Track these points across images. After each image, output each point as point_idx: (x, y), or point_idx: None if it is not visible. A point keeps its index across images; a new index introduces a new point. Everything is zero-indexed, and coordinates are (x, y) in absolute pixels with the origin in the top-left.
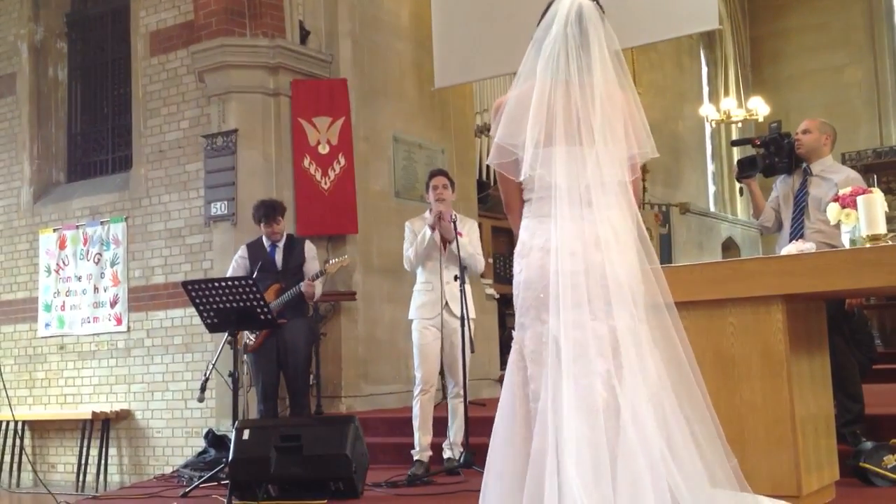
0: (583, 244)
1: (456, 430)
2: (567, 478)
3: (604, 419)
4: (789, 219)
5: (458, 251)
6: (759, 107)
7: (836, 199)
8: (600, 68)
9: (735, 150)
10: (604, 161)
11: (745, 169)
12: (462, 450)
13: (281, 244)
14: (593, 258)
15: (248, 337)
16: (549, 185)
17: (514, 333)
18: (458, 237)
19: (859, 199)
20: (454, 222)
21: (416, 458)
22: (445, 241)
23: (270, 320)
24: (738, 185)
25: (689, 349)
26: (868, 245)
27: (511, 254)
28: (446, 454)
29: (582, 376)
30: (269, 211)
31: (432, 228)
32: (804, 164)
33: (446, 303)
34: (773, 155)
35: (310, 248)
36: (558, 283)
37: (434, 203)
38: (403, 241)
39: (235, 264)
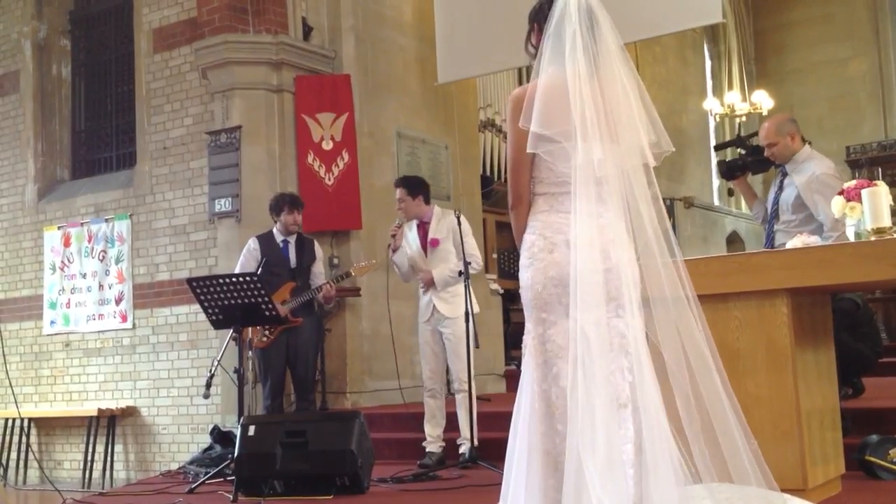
0: (606, 241)
1: (463, 425)
2: (587, 473)
3: (628, 414)
4: (769, 220)
5: (465, 258)
6: (764, 100)
7: (840, 193)
8: (614, 61)
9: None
10: (623, 155)
11: (723, 172)
12: (469, 443)
13: (293, 241)
14: (614, 256)
15: (262, 334)
16: (588, 179)
17: (531, 328)
18: (434, 247)
19: (864, 192)
20: (427, 224)
21: (427, 449)
22: (425, 247)
23: (275, 316)
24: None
25: (712, 341)
26: (873, 238)
27: (515, 249)
28: (461, 449)
29: (609, 373)
30: (295, 199)
31: (394, 250)
32: (782, 165)
33: (434, 306)
34: (746, 155)
35: (318, 250)
36: (588, 280)
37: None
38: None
39: (248, 254)
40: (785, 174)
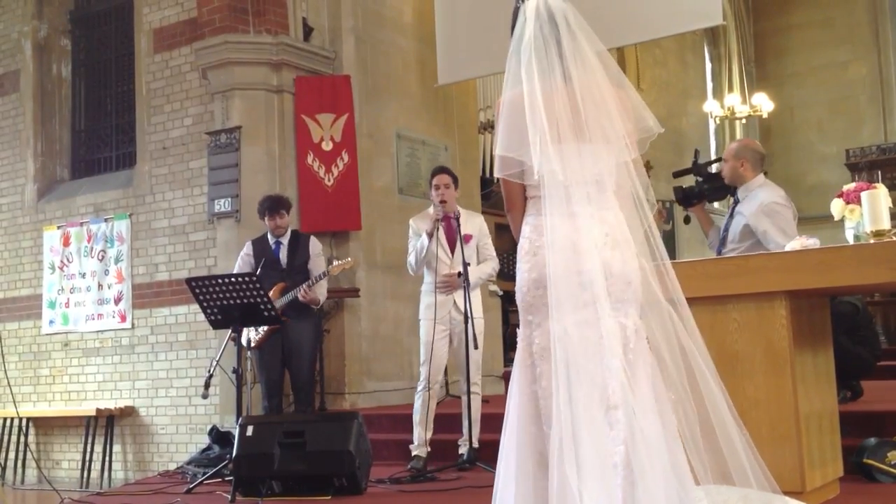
0: (593, 242)
1: (471, 427)
2: (569, 475)
3: (619, 415)
4: (717, 247)
5: (464, 259)
6: (764, 103)
7: (839, 196)
8: (581, 62)
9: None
10: (602, 155)
11: (680, 199)
12: (467, 445)
13: (285, 241)
14: (604, 256)
15: (253, 333)
16: (556, 184)
17: (520, 331)
18: (466, 244)
19: (863, 194)
20: (457, 219)
21: (413, 452)
22: (453, 245)
23: (274, 317)
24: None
25: (702, 344)
26: (872, 241)
27: (514, 251)
28: (461, 450)
29: (597, 374)
30: (273, 204)
31: (430, 236)
32: (736, 193)
33: (454, 302)
34: (703, 183)
35: (315, 245)
36: (571, 281)
37: (436, 204)
38: (408, 241)
39: (241, 261)
40: (737, 202)
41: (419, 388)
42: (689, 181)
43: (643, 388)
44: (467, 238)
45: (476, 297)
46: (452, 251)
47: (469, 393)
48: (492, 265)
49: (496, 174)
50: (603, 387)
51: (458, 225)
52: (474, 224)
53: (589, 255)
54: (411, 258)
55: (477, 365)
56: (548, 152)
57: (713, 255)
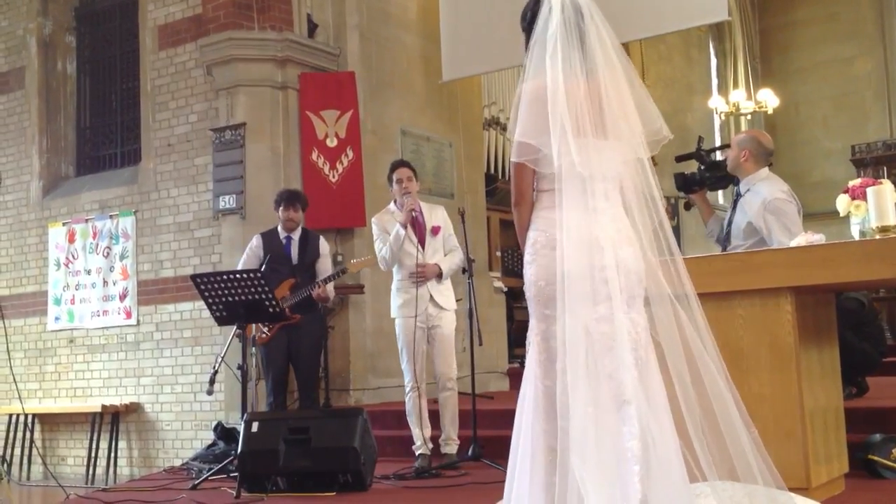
0: (611, 238)
1: (449, 425)
2: (576, 471)
3: (633, 410)
4: (723, 242)
5: (468, 255)
6: (769, 99)
7: (845, 191)
8: (604, 57)
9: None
10: (616, 152)
11: (680, 186)
12: (458, 443)
13: (296, 237)
14: (620, 252)
15: (261, 330)
16: (575, 177)
17: (534, 325)
18: (435, 236)
19: (869, 190)
20: (421, 213)
21: (418, 452)
22: (422, 238)
23: (279, 313)
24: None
25: (711, 339)
26: (877, 237)
27: (519, 247)
28: (443, 450)
29: (614, 369)
30: (291, 195)
31: (404, 226)
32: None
33: (431, 296)
34: (704, 171)
35: (324, 245)
36: (594, 276)
37: (400, 197)
38: (374, 240)
39: (250, 251)
40: (739, 195)
41: (407, 389)
42: (691, 167)
43: (655, 384)
44: (436, 230)
45: (448, 290)
46: (422, 244)
47: (473, 389)
48: (459, 256)
49: (513, 159)
50: (617, 381)
51: (423, 221)
52: (439, 216)
53: (608, 251)
54: (384, 252)
55: (450, 363)
56: (568, 144)
57: (715, 248)
